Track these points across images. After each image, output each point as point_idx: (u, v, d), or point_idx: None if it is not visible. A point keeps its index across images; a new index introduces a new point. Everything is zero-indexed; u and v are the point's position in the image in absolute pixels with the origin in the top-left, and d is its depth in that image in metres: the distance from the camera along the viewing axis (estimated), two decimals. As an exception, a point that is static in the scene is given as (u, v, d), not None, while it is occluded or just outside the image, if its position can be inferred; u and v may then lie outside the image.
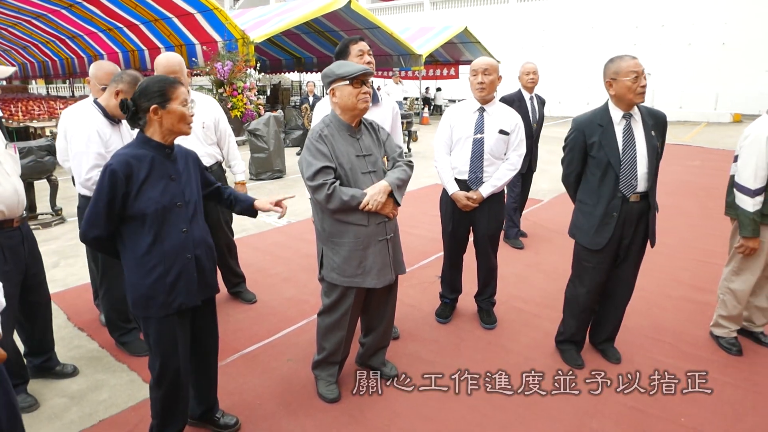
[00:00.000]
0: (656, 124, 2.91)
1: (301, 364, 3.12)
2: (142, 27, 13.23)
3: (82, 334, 3.50)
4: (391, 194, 2.54)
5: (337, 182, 2.47)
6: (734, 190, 3.14)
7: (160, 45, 13.55)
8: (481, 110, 3.40)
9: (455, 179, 3.43)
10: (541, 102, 5.32)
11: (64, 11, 13.23)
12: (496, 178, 3.40)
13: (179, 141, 3.42)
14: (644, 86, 2.75)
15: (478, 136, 3.36)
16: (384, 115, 3.17)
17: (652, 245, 3.02)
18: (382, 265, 2.60)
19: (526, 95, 5.15)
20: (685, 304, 3.98)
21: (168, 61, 3.31)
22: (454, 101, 25.03)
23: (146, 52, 14.36)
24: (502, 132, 3.37)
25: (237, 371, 3.06)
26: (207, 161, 3.57)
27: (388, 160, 2.67)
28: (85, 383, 2.95)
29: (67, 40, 16.62)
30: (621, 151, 2.80)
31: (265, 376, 3.01)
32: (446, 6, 28.78)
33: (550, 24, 25.13)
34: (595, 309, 3.17)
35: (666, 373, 2.98)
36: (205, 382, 2.51)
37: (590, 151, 2.88)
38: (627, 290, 3.11)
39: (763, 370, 3.08)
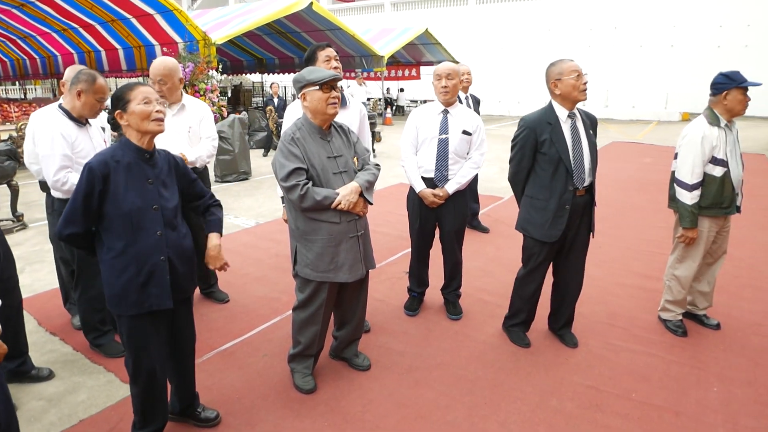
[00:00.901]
0: (591, 124, 3.20)
1: (277, 358, 3.22)
2: (98, 27, 12.93)
3: (55, 339, 3.50)
4: (362, 194, 2.68)
5: (310, 183, 2.59)
6: (674, 184, 3.41)
7: (117, 46, 13.28)
8: (445, 112, 3.59)
9: (422, 177, 3.60)
10: (476, 101, 5.72)
11: (15, 11, 12.80)
12: (461, 175, 3.59)
13: (168, 143, 3.52)
14: (586, 84, 3.00)
15: (443, 136, 3.54)
16: (352, 117, 3.31)
17: (593, 236, 3.28)
18: (353, 260, 2.74)
19: (462, 95, 5.47)
20: (636, 291, 4.26)
21: (153, 67, 3.47)
22: (416, 102, 25.36)
23: (103, 53, 14.02)
24: (465, 132, 3.57)
25: (214, 367, 3.14)
26: (191, 156, 3.63)
27: (357, 161, 2.82)
28: (62, 386, 2.97)
29: (19, 41, 16.05)
30: (570, 148, 3.03)
31: (242, 371, 3.10)
32: (407, 7, 29.08)
33: (509, 26, 25.73)
34: (539, 292, 3.39)
35: (619, 355, 3.23)
36: (183, 381, 2.58)
37: (541, 148, 3.07)
38: (578, 279, 3.35)
39: (706, 350, 3.36)
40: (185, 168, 2.45)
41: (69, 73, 3.23)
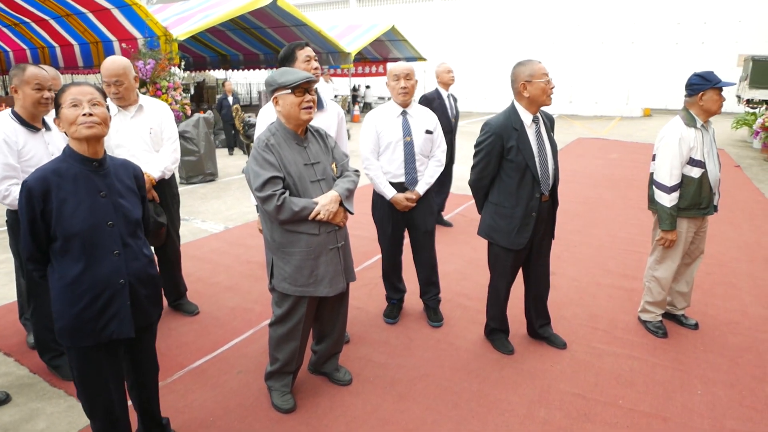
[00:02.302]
0: (551, 124, 3.17)
1: (252, 375, 3.06)
2: (52, 22, 12.34)
3: (9, 360, 3.25)
4: (341, 203, 2.54)
5: (287, 192, 2.44)
6: (653, 187, 3.39)
7: (73, 41, 12.71)
8: (404, 113, 3.49)
9: (390, 183, 3.48)
10: (455, 99, 5.72)
11: (-40, 5, 12.11)
12: (428, 175, 3.54)
13: (126, 149, 3.29)
14: (553, 88, 2.95)
15: (408, 138, 3.44)
16: (329, 121, 3.16)
17: (553, 237, 3.27)
18: (334, 273, 2.60)
19: (444, 93, 5.40)
20: (614, 291, 4.25)
21: (104, 68, 3.25)
22: (383, 98, 25.26)
23: (57, 49, 13.41)
24: (428, 132, 3.51)
25: (185, 388, 2.95)
26: (156, 173, 3.41)
27: (336, 168, 2.67)
28: (18, 413, 2.74)
29: (-35, 36, 15.23)
30: (536, 154, 2.97)
31: (216, 391, 2.92)
32: (372, 3, 28.89)
33: (474, 22, 25.85)
34: (508, 296, 3.34)
35: (603, 359, 3.20)
36: (146, 412, 2.40)
37: (507, 155, 2.98)
38: (547, 279, 3.34)
39: (686, 350, 3.36)
40: (143, 182, 2.24)
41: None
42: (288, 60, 3.00)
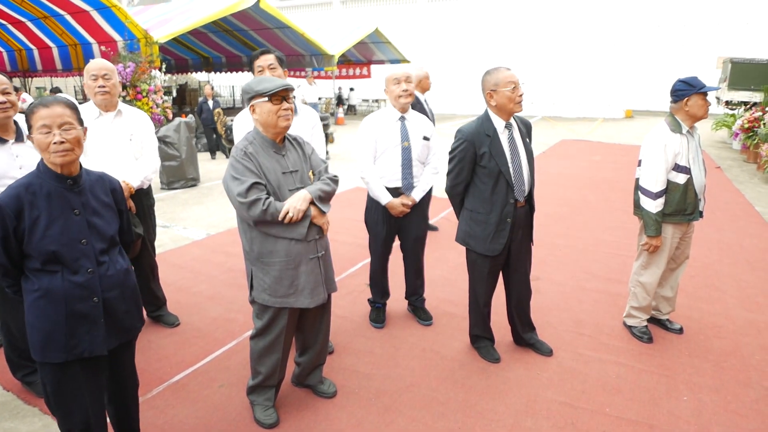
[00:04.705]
0: (527, 130, 3.15)
1: (235, 389, 2.99)
2: (29, 24, 12.10)
3: (-20, 377, 3.14)
4: (314, 204, 2.48)
5: (271, 198, 2.39)
6: (638, 192, 3.38)
7: (51, 44, 12.48)
8: (402, 119, 3.47)
9: (385, 188, 3.46)
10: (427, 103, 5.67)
11: (-67, 6, 11.81)
12: (424, 182, 3.56)
13: (108, 158, 3.20)
14: (522, 95, 2.94)
15: (406, 144, 3.42)
16: (302, 126, 3.14)
17: (532, 242, 3.25)
18: (314, 283, 2.55)
19: (421, 97, 5.38)
20: (599, 295, 4.24)
21: (93, 63, 3.26)
22: (367, 101, 25.21)
23: (35, 52, 13.16)
24: (425, 138, 3.50)
25: (165, 403, 2.87)
26: (136, 182, 3.35)
27: (314, 175, 2.62)
28: (-11, 434, 2.65)
29: (-62, 39, 14.87)
30: (510, 160, 2.96)
31: (197, 406, 2.84)
32: (356, 4, 28.83)
33: (458, 23, 25.92)
34: (489, 303, 3.32)
35: (589, 366, 3.18)
36: (124, 429, 2.33)
37: (480, 161, 2.98)
38: (527, 286, 3.32)
39: (672, 356, 3.35)
40: (121, 195, 2.18)
41: None
42: (252, 71, 3.03)
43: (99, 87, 3.20)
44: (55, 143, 1.86)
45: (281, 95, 2.42)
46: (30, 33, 12.51)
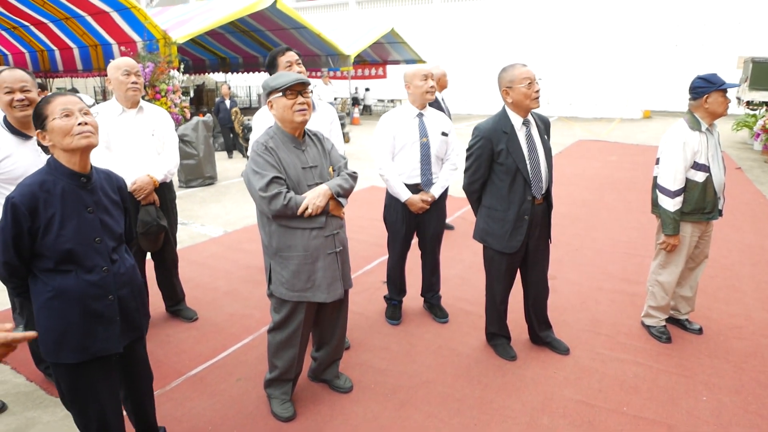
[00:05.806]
0: (546, 128, 3.13)
1: (252, 383, 3.02)
2: (51, 25, 12.33)
3: (5, 368, 3.20)
4: (334, 198, 2.50)
5: (292, 192, 2.41)
6: (656, 190, 3.35)
7: (72, 45, 12.70)
8: (420, 115, 3.48)
9: (405, 184, 3.48)
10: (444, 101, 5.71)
11: (-41, 8, 12.09)
12: (443, 178, 3.57)
13: (132, 153, 3.27)
14: (538, 91, 2.92)
15: (425, 140, 3.43)
16: (320, 122, 3.17)
17: (551, 241, 3.24)
18: (332, 279, 2.57)
19: (439, 95, 5.39)
20: (616, 296, 4.21)
21: (121, 60, 3.32)
22: (383, 101, 25.22)
23: (57, 53, 13.40)
24: (443, 134, 3.51)
25: (183, 396, 2.91)
26: (159, 175, 3.41)
27: (333, 171, 2.64)
28: (15, 422, 2.70)
29: (-36, 40, 15.21)
30: (527, 157, 2.95)
31: (215, 399, 2.88)
32: (371, 5, 28.89)
33: (474, 24, 25.83)
34: (507, 301, 3.31)
35: (606, 365, 3.15)
36: (142, 425, 2.37)
37: (497, 158, 2.98)
38: (544, 284, 3.31)
39: (691, 356, 3.32)
40: (127, 193, 2.21)
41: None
42: (271, 67, 3.06)
43: (132, 83, 3.29)
44: (79, 124, 1.88)
45: (296, 89, 2.44)
46: (52, 34, 12.74)
